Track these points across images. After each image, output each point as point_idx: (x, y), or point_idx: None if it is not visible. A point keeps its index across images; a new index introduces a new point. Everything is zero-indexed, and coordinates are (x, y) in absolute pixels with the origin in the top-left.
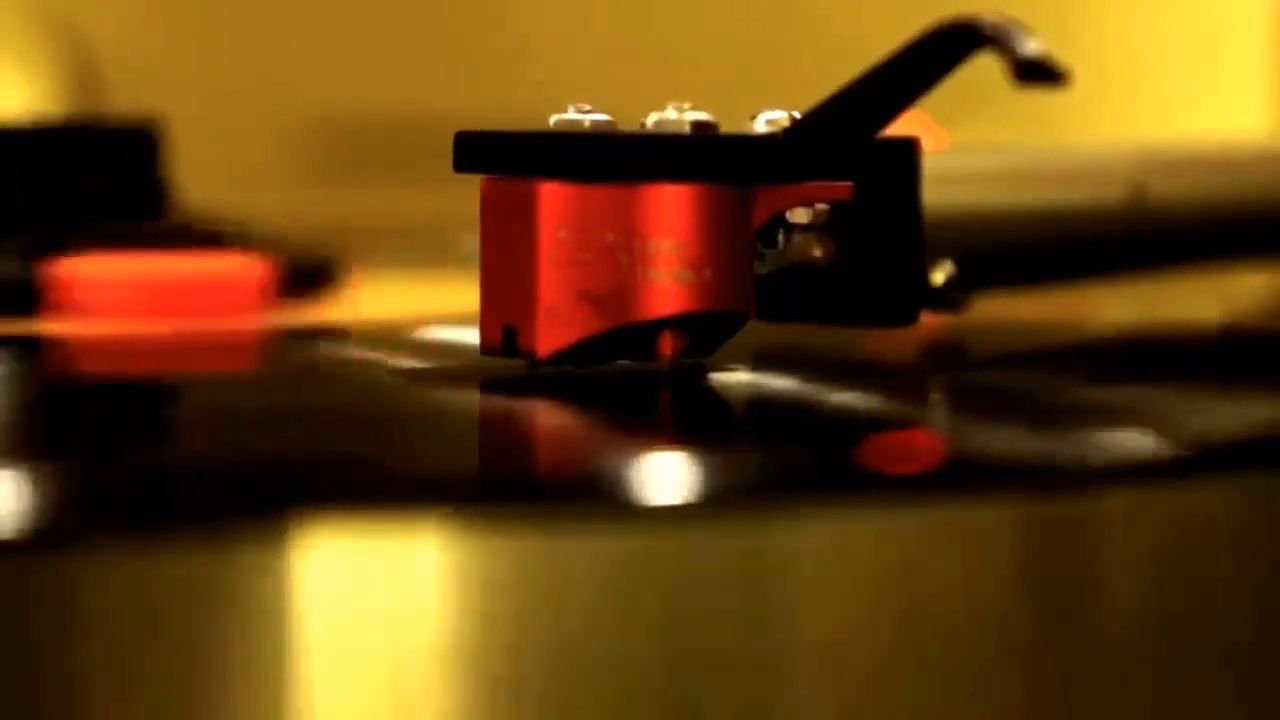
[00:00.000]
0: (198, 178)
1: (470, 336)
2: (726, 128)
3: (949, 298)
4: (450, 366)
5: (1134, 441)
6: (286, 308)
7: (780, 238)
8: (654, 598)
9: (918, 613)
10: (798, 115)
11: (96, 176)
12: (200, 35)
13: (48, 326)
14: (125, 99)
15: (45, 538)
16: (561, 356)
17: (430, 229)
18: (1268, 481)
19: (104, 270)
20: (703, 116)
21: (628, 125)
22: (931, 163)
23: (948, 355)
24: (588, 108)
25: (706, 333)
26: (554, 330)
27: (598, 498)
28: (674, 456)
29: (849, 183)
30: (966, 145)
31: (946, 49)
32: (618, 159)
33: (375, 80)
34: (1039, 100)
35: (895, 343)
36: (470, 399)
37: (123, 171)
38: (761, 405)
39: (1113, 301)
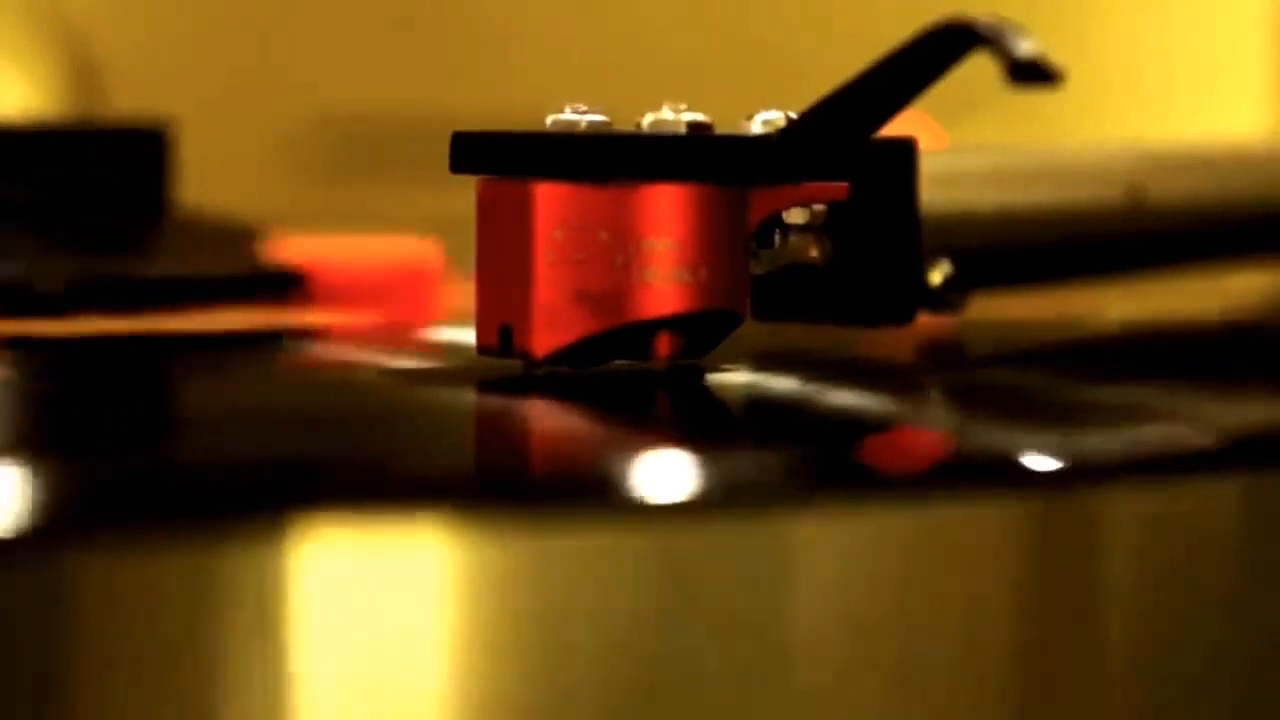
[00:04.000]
0: (197, 177)
1: (467, 336)
2: (722, 128)
3: (946, 298)
4: (447, 367)
5: (1134, 440)
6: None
7: (776, 238)
8: (652, 597)
9: (918, 611)
10: (794, 116)
11: (99, 178)
12: (201, 35)
13: (57, 327)
14: (126, 99)
15: (45, 538)
16: (558, 356)
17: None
18: (1268, 481)
19: None
20: (698, 117)
21: (624, 125)
22: (930, 162)
23: (945, 355)
24: (584, 108)
25: (702, 333)
26: (550, 330)
27: (596, 498)
28: (671, 456)
29: (845, 183)
30: (965, 145)
31: (941, 49)
32: (613, 159)
33: (375, 80)
34: (1038, 100)
35: (892, 343)
36: (467, 399)
37: (126, 173)
38: (759, 405)
39: (1113, 301)
